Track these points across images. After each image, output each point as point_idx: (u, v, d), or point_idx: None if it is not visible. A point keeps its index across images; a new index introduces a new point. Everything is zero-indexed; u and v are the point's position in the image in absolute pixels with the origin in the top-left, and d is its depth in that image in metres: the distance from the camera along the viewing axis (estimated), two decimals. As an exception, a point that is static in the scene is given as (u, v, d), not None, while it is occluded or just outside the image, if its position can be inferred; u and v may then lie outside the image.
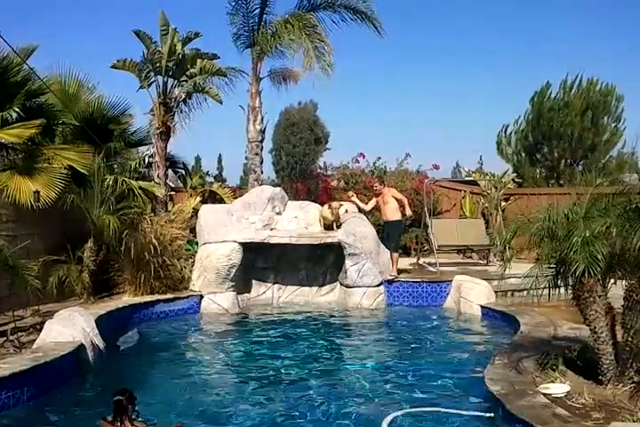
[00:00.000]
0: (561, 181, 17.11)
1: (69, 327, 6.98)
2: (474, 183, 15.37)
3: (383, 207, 11.18)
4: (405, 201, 11.22)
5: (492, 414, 5.23)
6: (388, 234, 11.12)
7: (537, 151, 18.31)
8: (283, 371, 7.10)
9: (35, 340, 6.90)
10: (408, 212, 11.19)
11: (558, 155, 17.79)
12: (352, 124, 68.29)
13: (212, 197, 13.98)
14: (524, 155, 18.50)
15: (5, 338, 6.90)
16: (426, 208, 12.68)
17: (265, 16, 13.37)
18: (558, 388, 5.34)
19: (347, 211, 11.23)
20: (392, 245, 10.98)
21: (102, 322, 7.81)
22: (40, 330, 7.05)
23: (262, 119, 13.58)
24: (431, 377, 6.75)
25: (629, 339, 5.33)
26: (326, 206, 10.90)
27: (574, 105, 17.27)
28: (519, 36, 75.67)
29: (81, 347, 6.81)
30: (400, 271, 11.16)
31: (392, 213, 11.05)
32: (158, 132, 12.52)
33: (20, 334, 7.18)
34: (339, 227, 10.75)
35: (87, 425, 5.26)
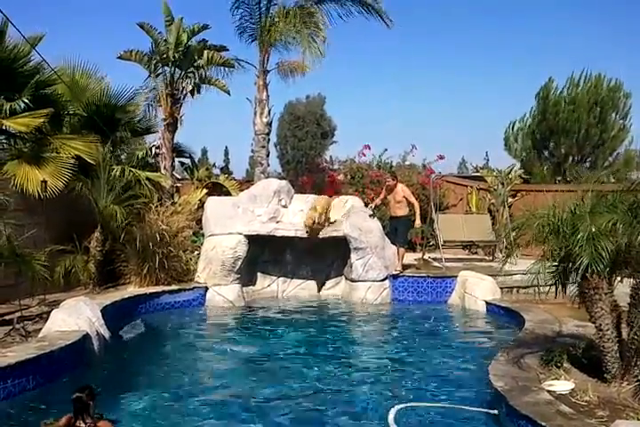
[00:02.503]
0: (568, 178, 17.06)
1: (75, 317, 7.01)
2: (481, 179, 15.33)
3: (393, 203, 11.05)
4: (417, 208, 10.84)
5: (497, 411, 5.23)
6: (396, 229, 11.03)
7: (544, 148, 18.26)
8: (286, 363, 7.11)
9: (41, 329, 6.93)
10: (417, 221, 10.91)
11: (565, 151, 17.73)
12: (359, 118, 68.25)
13: (219, 190, 13.99)
14: (531, 151, 18.45)
15: (12, 327, 6.93)
16: (432, 203, 12.65)
17: (272, 8, 13.37)
18: (562, 385, 5.34)
19: (352, 206, 11.22)
20: (400, 240, 10.93)
21: (108, 312, 7.85)
22: (46, 319, 7.09)
23: (269, 112, 13.60)
24: (435, 372, 6.77)
25: (635, 337, 5.31)
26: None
27: (581, 101, 17.19)
28: (529, 32, 75.34)
29: (86, 336, 6.83)
30: (405, 266, 11.15)
31: (401, 209, 10.95)
32: (165, 123, 12.53)
33: (26, 322, 7.22)
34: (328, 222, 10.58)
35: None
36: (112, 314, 8.04)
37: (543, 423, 4.46)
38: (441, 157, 16.08)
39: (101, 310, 7.59)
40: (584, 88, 17.56)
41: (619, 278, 5.69)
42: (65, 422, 4.56)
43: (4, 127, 9.24)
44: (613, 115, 17.64)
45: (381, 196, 11.40)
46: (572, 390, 5.25)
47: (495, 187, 14.36)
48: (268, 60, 13.52)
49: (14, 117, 9.10)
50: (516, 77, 74.58)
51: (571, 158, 17.80)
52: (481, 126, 71.63)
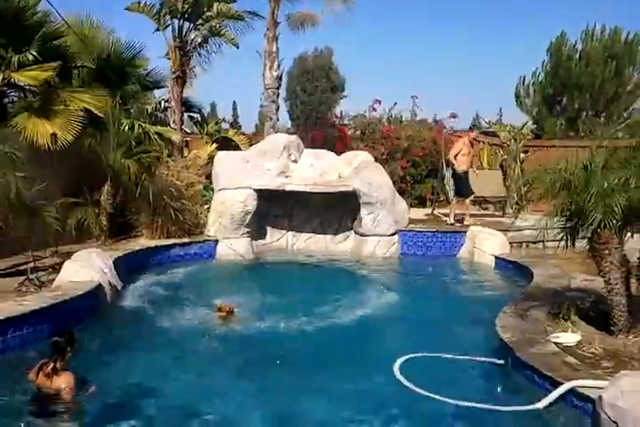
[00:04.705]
0: (581, 133, 16.81)
1: (87, 268, 7.11)
2: (493, 134, 15.16)
3: (461, 157, 11.30)
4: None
5: (503, 361, 5.31)
6: (462, 183, 11.36)
7: (556, 103, 17.96)
8: (296, 315, 7.15)
9: (54, 279, 7.04)
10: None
11: (578, 106, 17.43)
12: (370, 71, 67.16)
13: (228, 144, 13.92)
14: (543, 106, 18.15)
15: (26, 277, 7.03)
16: (443, 159, 12.55)
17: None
18: (569, 337, 5.40)
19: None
20: (469, 192, 11.45)
21: (119, 264, 7.94)
22: (59, 270, 7.17)
23: (279, 65, 13.38)
24: (442, 324, 6.81)
25: (643, 291, 5.35)
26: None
27: (596, 55, 16.78)
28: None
29: (99, 287, 6.94)
30: (414, 221, 11.19)
31: (468, 163, 11.45)
32: (174, 76, 12.39)
33: (39, 273, 7.30)
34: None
35: (103, 363, 5.44)
36: (123, 266, 8.13)
37: (549, 373, 4.54)
38: (453, 116, 15.80)
39: (113, 262, 7.68)
40: (600, 41, 17.12)
41: (629, 234, 5.67)
42: (37, 366, 4.67)
43: (12, 80, 9.18)
44: (630, 69, 17.23)
45: (458, 150, 11.39)
46: (579, 342, 5.31)
47: (508, 143, 14.21)
48: (278, 10, 13.24)
49: (23, 70, 9.01)
50: (531, 29, 72.91)
51: (584, 114, 17.50)
52: (495, 81, 70.30)
